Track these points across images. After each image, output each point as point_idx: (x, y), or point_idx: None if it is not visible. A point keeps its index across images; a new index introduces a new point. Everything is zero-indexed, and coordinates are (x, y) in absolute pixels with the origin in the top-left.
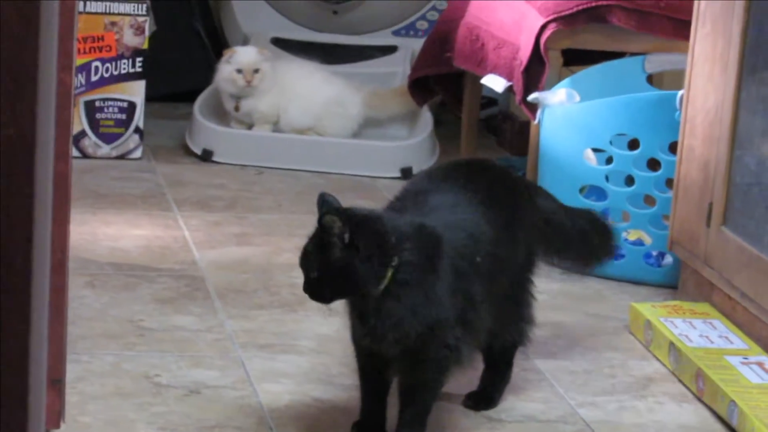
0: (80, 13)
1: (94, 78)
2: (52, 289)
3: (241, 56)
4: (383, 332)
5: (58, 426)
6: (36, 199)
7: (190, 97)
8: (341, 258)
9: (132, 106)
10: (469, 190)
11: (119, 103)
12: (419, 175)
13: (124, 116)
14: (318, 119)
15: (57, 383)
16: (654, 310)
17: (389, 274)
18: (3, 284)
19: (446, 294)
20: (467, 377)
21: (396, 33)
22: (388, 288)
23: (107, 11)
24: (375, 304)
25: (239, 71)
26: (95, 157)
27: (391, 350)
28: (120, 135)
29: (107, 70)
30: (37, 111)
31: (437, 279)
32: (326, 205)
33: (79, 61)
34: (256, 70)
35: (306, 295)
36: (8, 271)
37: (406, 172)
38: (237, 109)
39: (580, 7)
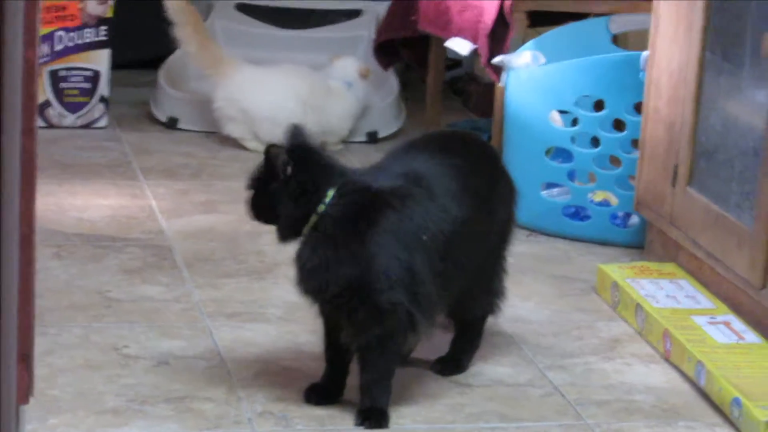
0: None
1: (58, 47)
2: (20, 264)
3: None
4: (302, 278)
5: (26, 401)
6: (3, 180)
7: (155, 64)
8: (273, 187)
9: (96, 74)
10: (445, 163)
11: (84, 72)
12: (403, 142)
13: (88, 85)
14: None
15: (25, 358)
16: (621, 271)
17: (312, 220)
18: None
19: (378, 257)
20: (435, 343)
21: None
22: (308, 234)
23: None
24: (299, 249)
25: None
26: (60, 127)
27: (316, 300)
28: (85, 104)
29: (71, 39)
30: (3, 96)
31: (365, 240)
32: (292, 138)
33: (42, 30)
34: None
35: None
36: None
37: (372, 136)
38: None
39: None
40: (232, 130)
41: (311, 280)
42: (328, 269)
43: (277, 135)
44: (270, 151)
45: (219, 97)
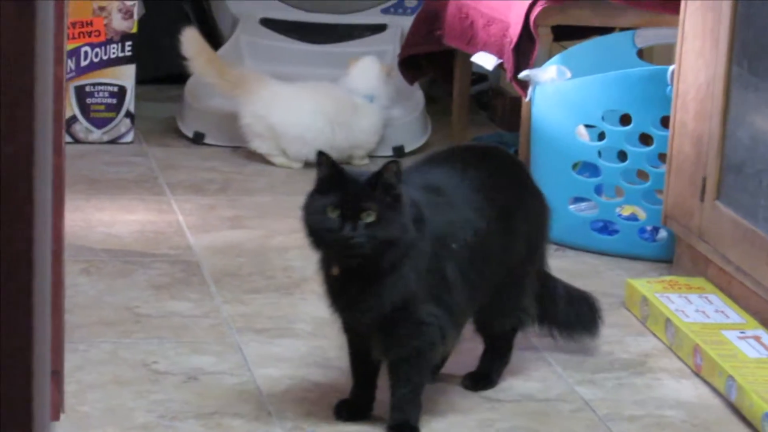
0: None
1: (84, 63)
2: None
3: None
4: (347, 304)
5: (57, 418)
6: (35, 198)
7: (181, 79)
8: (393, 203)
9: (122, 90)
10: (464, 175)
11: (109, 88)
12: (423, 156)
13: (114, 100)
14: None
15: (55, 375)
16: (650, 285)
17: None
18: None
19: (418, 270)
20: (465, 358)
21: (385, 11)
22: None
23: None
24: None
25: None
26: (87, 142)
27: (357, 322)
28: (111, 119)
29: (97, 54)
30: (35, 126)
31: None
32: (326, 156)
33: (68, 46)
34: None
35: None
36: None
37: (398, 150)
38: None
39: None
40: (259, 146)
41: (358, 303)
42: (376, 291)
43: (306, 153)
44: (392, 165)
45: (246, 113)
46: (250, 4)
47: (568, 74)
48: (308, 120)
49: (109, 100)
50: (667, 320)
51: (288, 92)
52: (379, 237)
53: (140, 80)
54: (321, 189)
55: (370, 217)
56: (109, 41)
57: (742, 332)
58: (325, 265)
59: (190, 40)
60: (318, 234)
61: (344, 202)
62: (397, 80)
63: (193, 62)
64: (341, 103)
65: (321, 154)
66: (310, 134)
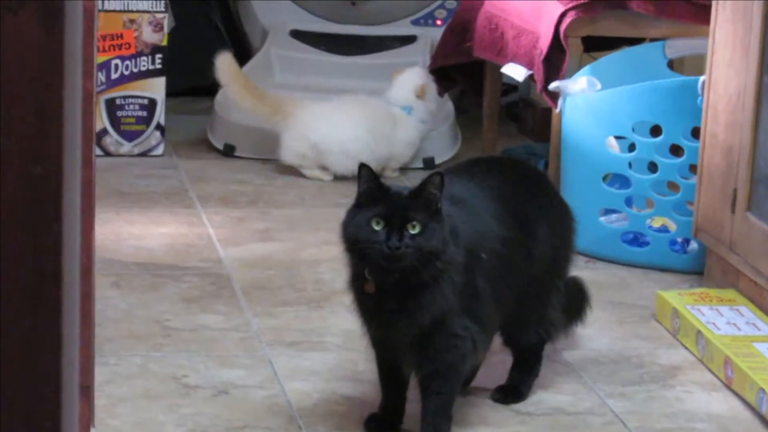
0: (99, 11)
1: (114, 76)
2: (79, 297)
3: None
4: (384, 322)
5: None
6: (64, 212)
7: (211, 91)
8: (435, 215)
9: (153, 102)
10: (485, 186)
11: (140, 101)
12: (444, 168)
13: (145, 113)
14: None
15: (85, 390)
16: (680, 297)
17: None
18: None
19: (451, 283)
20: (495, 371)
21: (415, 22)
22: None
23: (126, 9)
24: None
25: None
26: (117, 155)
27: (405, 338)
28: (141, 132)
29: (127, 67)
30: (64, 147)
31: (455, 268)
32: (367, 169)
33: (99, 59)
34: None
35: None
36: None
37: (428, 162)
38: None
39: None
40: (292, 159)
41: (396, 320)
42: (416, 306)
43: (351, 166)
44: (436, 178)
45: (288, 137)
46: (280, 16)
47: (599, 85)
48: (349, 133)
49: (140, 113)
50: (698, 332)
51: (326, 109)
52: (425, 248)
53: (170, 93)
54: (362, 202)
55: (415, 229)
56: (140, 54)
57: None
58: (359, 282)
59: (225, 66)
60: (362, 247)
61: (389, 214)
62: (435, 97)
63: (229, 88)
64: (379, 114)
65: (363, 167)
66: (354, 147)
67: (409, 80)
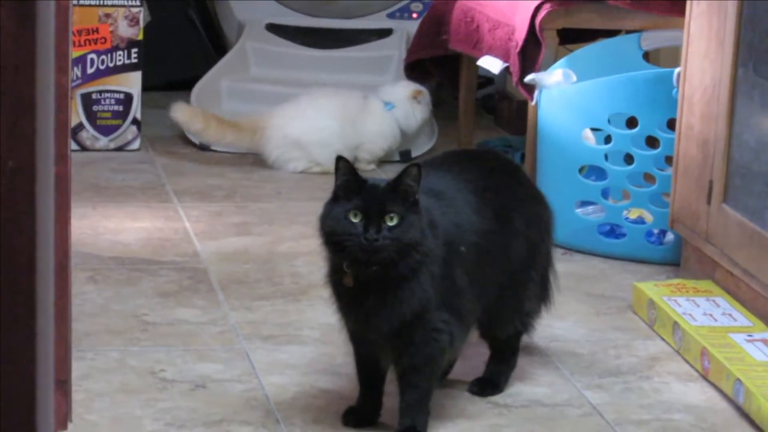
0: (74, 5)
1: (90, 70)
2: (55, 291)
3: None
4: (362, 318)
5: (65, 427)
6: (37, 208)
7: (187, 86)
8: (413, 206)
9: (129, 97)
10: (462, 179)
11: (116, 95)
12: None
13: (121, 108)
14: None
15: (62, 384)
16: (657, 289)
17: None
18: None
19: (433, 276)
20: (472, 363)
21: (391, 16)
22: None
23: (101, 3)
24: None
25: None
26: (93, 150)
27: (373, 336)
28: (118, 127)
29: (103, 62)
30: (36, 142)
31: (433, 260)
32: (344, 162)
33: (74, 53)
34: None
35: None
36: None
37: (405, 155)
38: None
39: None
40: (296, 166)
41: (376, 314)
42: (395, 300)
43: (328, 155)
44: (414, 169)
45: (272, 146)
46: (256, 10)
47: (574, 77)
48: (319, 123)
49: (116, 108)
50: (675, 323)
51: (296, 105)
52: (403, 240)
53: (146, 87)
54: (339, 195)
55: (393, 221)
56: (115, 48)
57: (749, 335)
58: (337, 275)
59: (184, 114)
60: (340, 240)
61: (366, 206)
62: (427, 108)
63: (204, 132)
64: (349, 102)
65: (340, 160)
66: (323, 136)
67: (410, 84)
